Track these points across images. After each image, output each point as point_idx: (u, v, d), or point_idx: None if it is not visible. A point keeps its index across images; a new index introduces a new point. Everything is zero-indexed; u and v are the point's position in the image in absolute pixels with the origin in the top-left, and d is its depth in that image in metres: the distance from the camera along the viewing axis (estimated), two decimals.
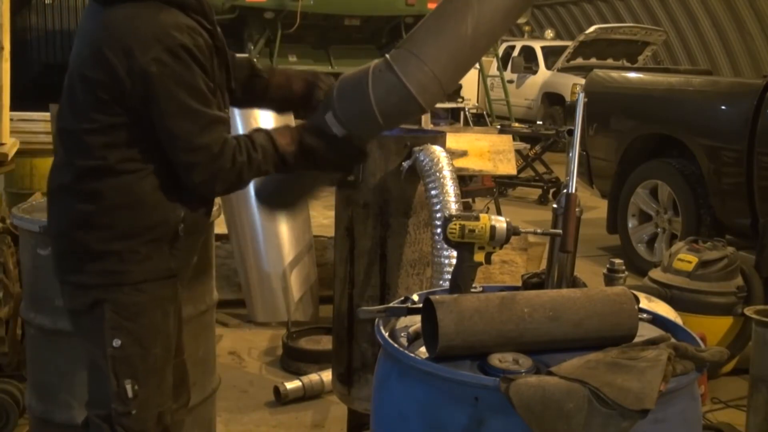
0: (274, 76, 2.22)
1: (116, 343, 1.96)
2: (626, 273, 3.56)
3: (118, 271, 1.95)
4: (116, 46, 1.84)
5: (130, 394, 1.98)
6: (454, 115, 9.29)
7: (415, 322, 1.75)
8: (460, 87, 9.08)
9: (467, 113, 9.36)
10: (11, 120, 4.27)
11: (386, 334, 1.67)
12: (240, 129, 4.48)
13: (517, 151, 7.96)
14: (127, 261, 1.95)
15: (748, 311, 3.25)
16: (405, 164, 2.71)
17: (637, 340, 1.62)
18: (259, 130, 2.03)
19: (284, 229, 4.48)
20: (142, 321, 1.99)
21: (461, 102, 9.33)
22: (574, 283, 1.86)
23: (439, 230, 2.47)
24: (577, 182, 1.83)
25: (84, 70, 1.91)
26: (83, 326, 2.05)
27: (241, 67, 2.18)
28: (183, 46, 1.83)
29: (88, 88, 1.90)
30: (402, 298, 1.82)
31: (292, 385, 3.63)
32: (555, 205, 1.87)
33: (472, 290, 1.77)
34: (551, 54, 14.44)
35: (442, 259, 2.50)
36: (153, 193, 1.94)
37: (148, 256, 1.96)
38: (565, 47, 13.85)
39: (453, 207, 2.54)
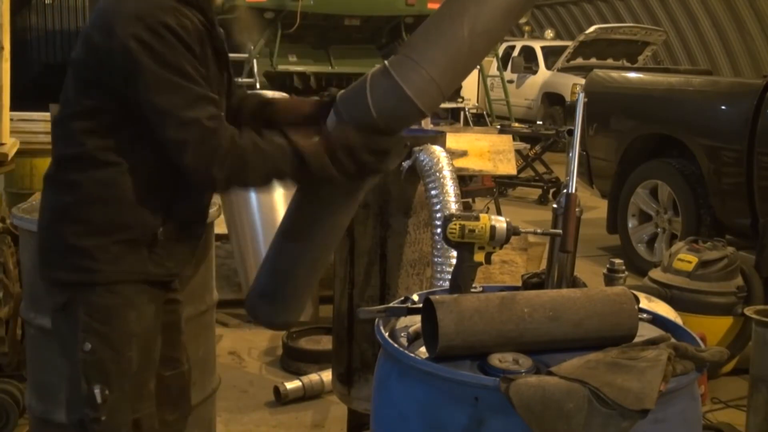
0: (282, 102, 2.18)
1: (87, 346, 1.90)
2: (626, 273, 3.56)
3: (90, 269, 1.89)
4: (101, 25, 1.82)
5: (99, 399, 1.91)
6: (454, 115, 9.28)
7: (415, 322, 1.75)
8: (460, 87, 9.07)
9: (467, 113, 9.35)
10: (11, 120, 4.27)
11: (386, 334, 1.67)
12: None
13: (517, 151, 7.96)
14: (98, 259, 1.88)
15: (748, 311, 3.25)
16: (405, 164, 2.71)
17: (637, 340, 1.62)
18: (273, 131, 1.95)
19: None
20: (115, 324, 1.92)
21: (461, 102, 9.32)
22: (574, 283, 1.87)
23: (439, 230, 2.47)
24: (577, 182, 1.83)
25: (74, 54, 1.90)
26: (58, 327, 2.00)
27: (252, 97, 2.14)
28: (165, 25, 1.78)
29: (74, 71, 1.89)
30: (402, 298, 1.82)
31: (292, 385, 3.63)
32: (555, 205, 1.87)
33: (472, 290, 1.77)
34: (551, 54, 14.44)
35: (442, 259, 2.50)
36: (133, 190, 1.88)
37: (121, 256, 1.90)
38: (565, 47, 13.85)
39: (453, 207, 2.54)
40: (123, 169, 1.87)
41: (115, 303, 1.92)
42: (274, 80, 7.39)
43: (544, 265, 1.95)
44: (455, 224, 1.70)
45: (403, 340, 1.70)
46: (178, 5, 1.84)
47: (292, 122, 2.16)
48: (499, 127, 8.71)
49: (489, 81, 11.06)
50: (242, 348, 4.27)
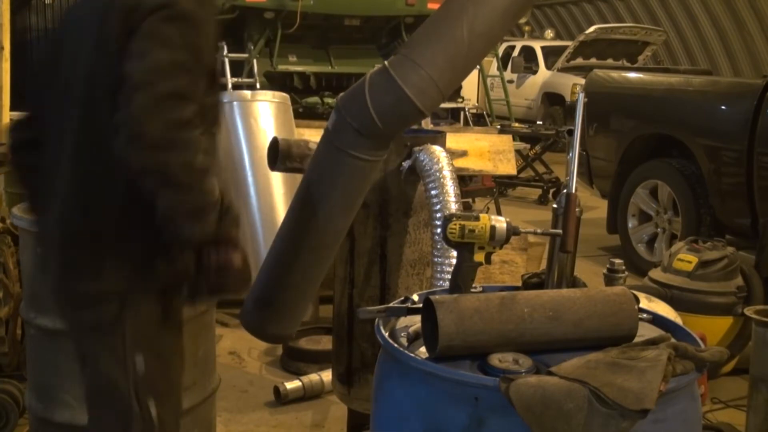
0: None
1: (138, 360, 1.82)
2: (626, 273, 3.55)
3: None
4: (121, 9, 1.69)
5: (153, 413, 1.84)
6: (454, 115, 9.28)
7: (415, 322, 1.75)
8: (460, 87, 9.07)
9: (467, 113, 9.35)
10: (11, 120, 4.27)
11: (386, 334, 1.67)
12: (239, 125, 4.48)
13: (517, 151, 7.96)
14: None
15: (748, 311, 3.25)
16: (405, 164, 2.71)
17: (637, 340, 1.62)
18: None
19: None
20: (163, 335, 1.86)
21: (461, 102, 9.31)
22: (574, 283, 1.87)
23: (439, 230, 2.47)
24: (577, 182, 1.83)
25: (99, 66, 1.74)
26: (94, 343, 1.88)
27: None
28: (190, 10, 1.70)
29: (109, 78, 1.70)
30: (402, 298, 1.82)
31: (292, 385, 3.63)
32: (555, 205, 1.87)
33: (472, 290, 1.77)
34: (551, 54, 14.44)
35: (442, 259, 2.50)
36: None
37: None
38: (565, 47, 13.85)
39: (453, 207, 2.54)
40: None
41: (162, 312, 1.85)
42: (275, 80, 7.38)
43: (544, 265, 1.95)
44: (455, 224, 1.70)
45: (403, 340, 1.70)
46: None
47: None
48: (499, 127, 8.70)
49: (489, 81, 11.06)
50: (242, 348, 4.26)
